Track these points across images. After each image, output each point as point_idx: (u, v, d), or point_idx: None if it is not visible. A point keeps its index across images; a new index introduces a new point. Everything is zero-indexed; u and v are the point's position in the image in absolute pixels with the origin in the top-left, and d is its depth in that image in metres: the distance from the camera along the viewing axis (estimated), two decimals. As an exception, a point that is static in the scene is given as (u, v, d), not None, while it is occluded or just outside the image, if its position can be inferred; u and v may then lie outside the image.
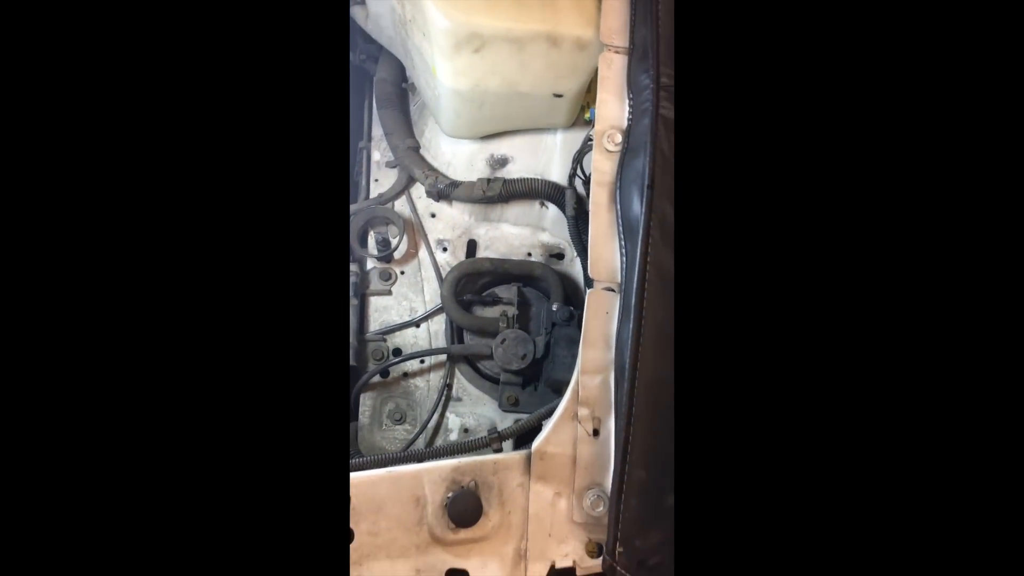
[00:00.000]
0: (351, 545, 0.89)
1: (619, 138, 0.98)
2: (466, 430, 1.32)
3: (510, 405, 1.30)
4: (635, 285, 0.87)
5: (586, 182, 1.25)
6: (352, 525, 0.90)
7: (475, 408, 1.34)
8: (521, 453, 0.95)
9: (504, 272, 1.36)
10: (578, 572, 0.92)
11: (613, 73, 1.01)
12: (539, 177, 1.34)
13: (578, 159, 1.22)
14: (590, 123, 1.22)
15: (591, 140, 1.20)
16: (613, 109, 0.99)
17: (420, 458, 0.97)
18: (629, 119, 0.97)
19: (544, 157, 1.35)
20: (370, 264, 1.39)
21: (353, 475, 0.92)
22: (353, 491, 0.90)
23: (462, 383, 1.35)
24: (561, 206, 1.32)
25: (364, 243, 1.39)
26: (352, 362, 1.32)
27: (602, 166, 0.98)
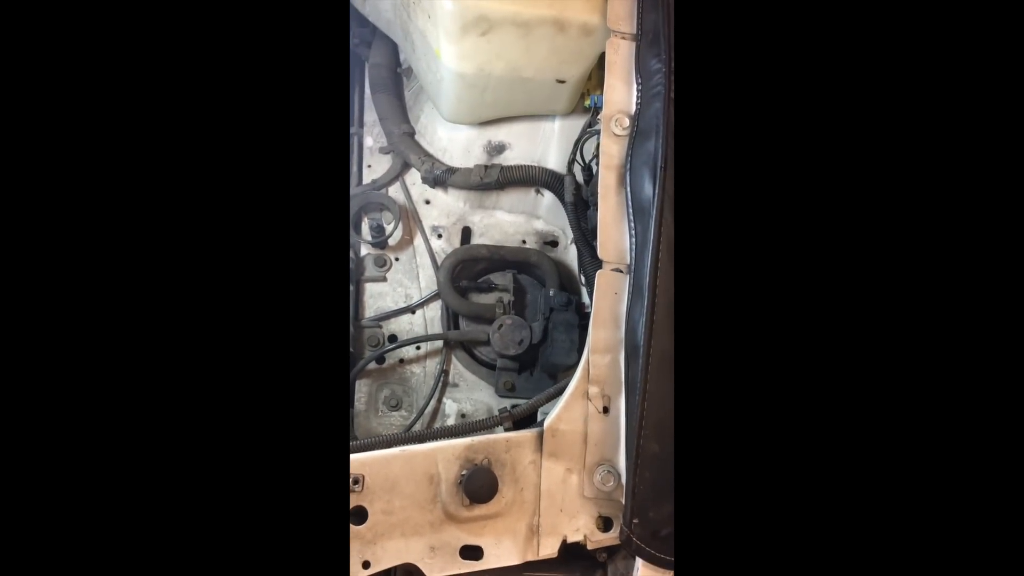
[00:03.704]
0: (365, 524, 0.89)
1: (627, 122, 1.00)
2: (463, 415, 1.32)
3: (506, 390, 1.31)
4: (648, 265, 0.89)
5: (585, 168, 1.27)
6: (366, 504, 0.89)
7: (471, 394, 1.34)
8: (533, 431, 0.96)
9: (500, 259, 1.37)
10: (589, 546, 0.94)
11: (621, 58, 1.03)
12: (536, 164, 1.35)
13: (579, 145, 1.24)
14: (590, 110, 1.25)
15: (591, 127, 1.22)
16: (621, 94, 1.02)
17: (433, 437, 0.97)
18: (638, 103, 0.99)
19: (542, 144, 1.36)
20: (364, 250, 1.37)
21: (366, 454, 0.91)
22: (367, 470, 0.90)
23: (458, 369, 1.35)
24: (558, 193, 1.33)
25: (358, 229, 1.37)
26: (348, 348, 1.31)
27: (610, 149, 1.00)
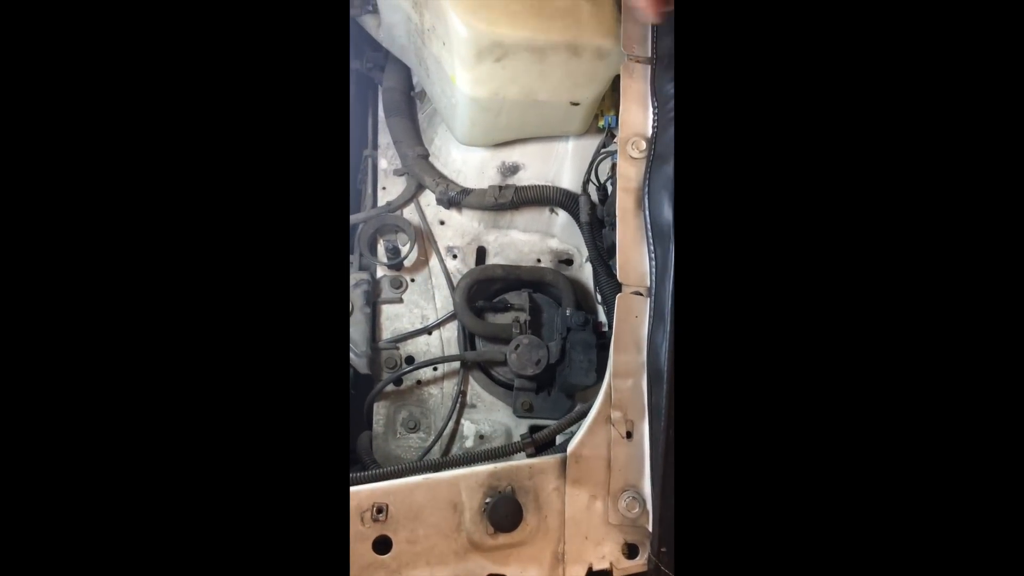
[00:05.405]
0: (390, 554, 0.88)
1: (643, 145, 1.00)
2: (481, 437, 1.32)
3: (524, 411, 1.30)
4: (668, 289, 0.89)
5: (599, 188, 1.27)
6: (391, 534, 0.89)
7: (489, 414, 1.34)
8: (556, 457, 0.95)
9: (515, 278, 1.37)
10: (615, 574, 0.93)
11: (636, 82, 1.03)
12: (550, 184, 1.36)
13: (593, 165, 1.24)
14: (603, 130, 1.25)
15: (605, 148, 1.23)
16: (636, 117, 1.02)
17: (455, 463, 0.97)
18: (654, 127, 1.00)
19: (555, 164, 1.36)
20: (380, 272, 1.38)
21: (390, 483, 0.91)
22: (390, 499, 0.90)
23: (476, 390, 1.35)
24: (572, 213, 1.34)
25: (374, 251, 1.38)
26: (365, 371, 1.31)
27: (627, 172, 1.01)
